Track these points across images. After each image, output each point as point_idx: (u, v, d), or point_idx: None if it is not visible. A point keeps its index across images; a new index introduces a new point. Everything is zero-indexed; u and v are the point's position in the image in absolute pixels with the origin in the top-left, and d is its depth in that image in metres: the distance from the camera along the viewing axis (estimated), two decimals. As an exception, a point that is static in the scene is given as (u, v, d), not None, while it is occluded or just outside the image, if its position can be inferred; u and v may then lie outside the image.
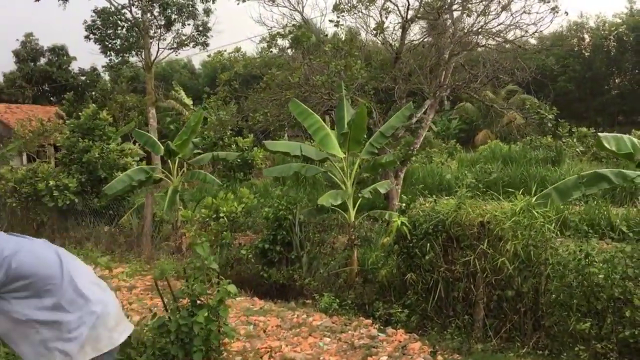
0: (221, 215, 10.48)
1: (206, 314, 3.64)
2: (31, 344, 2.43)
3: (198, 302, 3.80)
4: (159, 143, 12.20)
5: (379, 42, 13.98)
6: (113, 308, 2.69)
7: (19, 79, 40.67)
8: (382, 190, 10.08)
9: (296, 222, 9.22)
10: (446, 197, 7.78)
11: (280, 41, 13.15)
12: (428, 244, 6.60)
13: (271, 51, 13.63)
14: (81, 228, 11.85)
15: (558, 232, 6.40)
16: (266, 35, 13.14)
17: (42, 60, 42.43)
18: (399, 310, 6.77)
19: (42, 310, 2.42)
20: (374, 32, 12.88)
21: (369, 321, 6.89)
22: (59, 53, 42.12)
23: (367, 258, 8.66)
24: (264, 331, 6.39)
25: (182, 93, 31.37)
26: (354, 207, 9.13)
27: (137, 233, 11.24)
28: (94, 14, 25.58)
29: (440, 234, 6.61)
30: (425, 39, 13.88)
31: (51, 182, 11.80)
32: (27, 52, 41.62)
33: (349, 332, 6.36)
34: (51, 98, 42.18)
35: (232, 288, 3.83)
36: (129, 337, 3.97)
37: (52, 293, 2.44)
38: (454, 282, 6.50)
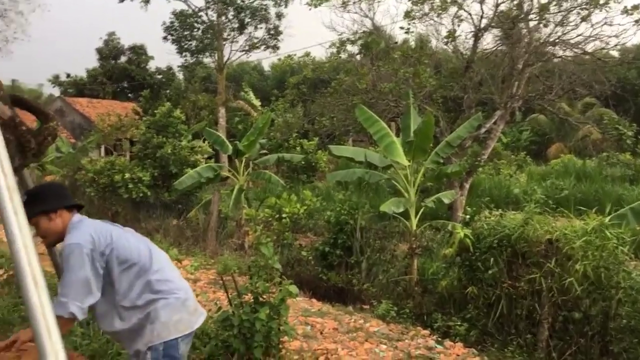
0: (284, 215, 10.67)
1: (268, 312, 3.75)
2: (124, 324, 2.67)
3: (260, 299, 3.92)
4: (228, 142, 12.57)
5: (450, 50, 13.81)
6: (191, 294, 2.91)
7: (100, 76, 42.98)
8: (446, 201, 9.93)
9: (357, 227, 9.26)
10: (513, 212, 7.58)
11: (349, 47, 13.25)
12: (492, 258, 6.47)
13: (340, 56, 13.75)
14: (152, 220, 12.39)
15: (632, 255, 6.10)
16: (336, 40, 13.27)
17: (123, 59, 44.63)
18: (458, 323, 6.67)
19: (133, 293, 2.66)
20: (445, 40, 12.74)
21: (427, 332, 6.82)
22: (139, 52, 44.17)
23: (427, 268, 8.58)
24: (321, 333, 6.46)
25: (251, 94, 32.10)
26: (416, 215, 9.06)
27: (203, 228, 11.63)
28: (172, 16, 26.65)
29: (505, 249, 6.45)
30: (499, 48, 13.57)
31: (127, 175, 12.43)
32: (109, 51, 43.92)
33: (406, 341, 6.33)
34: (129, 94, 44.29)
35: (293, 288, 3.93)
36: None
37: (143, 278, 2.68)
38: (517, 299, 6.33)
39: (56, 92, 45.32)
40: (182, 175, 12.09)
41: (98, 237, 2.60)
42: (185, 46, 28.56)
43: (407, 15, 12.57)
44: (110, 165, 13.02)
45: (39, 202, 2.66)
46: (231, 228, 12.26)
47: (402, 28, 12.87)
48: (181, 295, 2.79)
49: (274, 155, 12.86)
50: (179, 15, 26.92)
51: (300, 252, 9.55)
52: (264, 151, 20.57)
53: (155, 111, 14.27)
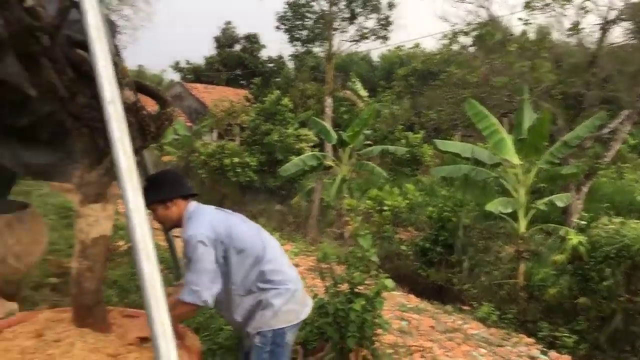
0: (385, 208, 10.59)
1: (363, 303, 3.74)
2: (237, 310, 2.78)
3: (356, 290, 3.91)
4: (333, 132, 12.68)
5: (573, 44, 12.87)
6: (300, 285, 2.95)
7: (216, 63, 45.17)
8: (560, 204, 9.32)
9: (460, 225, 8.97)
10: (636, 220, 6.93)
11: (462, 38, 12.80)
12: (608, 269, 5.98)
13: (452, 48, 13.33)
14: (256, 203, 12.85)
15: None
16: (448, 31, 12.87)
17: (237, 47, 46.55)
18: (567, 334, 6.25)
19: (248, 282, 2.75)
20: (568, 32, 11.89)
21: (531, 340, 6.46)
22: (252, 41, 45.82)
23: (534, 273, 8.11)
24: (417, 329, 6.35)
25: (359, 84, 32.10)
26: (525, 217, 8.59)
27: (305, 215, 11.87)
28: (285, 6, 27.29)
29: (623, 260, 5.94)
30: (629, 42, 12.43)
31: (235, 159, 12.98)
32: (226, 39, 45.98)
33: (507, 347, 6.04)
34: (242, 82, 46.12)
35: (389, 282, 3.87)
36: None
37: (257, 267, 2.75)
38: (635, 315, 5.81)
39: (176, 77, 48.31)
40: (287, 162, 12.40)
41: (218, 226, 2.69)
42: (297, 36, 29.18)
43: (527, 5, 11.88)
44: (220, 149, 13.66)
45: (156, 190, 2.77)
46: (332, 217, 12.38)
47: (520, 19, 12.17)
48: (291, 286, 2.84)
49: (378, 147, 12.79)
50: (292, 5, 27.52)
51: (400, 246, 9.43)
52: (369, 142, 20.57)
53: (265, 99, 14.73)
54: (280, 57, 44.14)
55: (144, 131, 2.71)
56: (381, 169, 12.16)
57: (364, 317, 3.82)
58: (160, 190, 2.80)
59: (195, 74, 46.38)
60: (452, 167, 10.30)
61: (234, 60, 45.39)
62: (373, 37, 27.84)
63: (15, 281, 4.35)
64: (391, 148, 12.77)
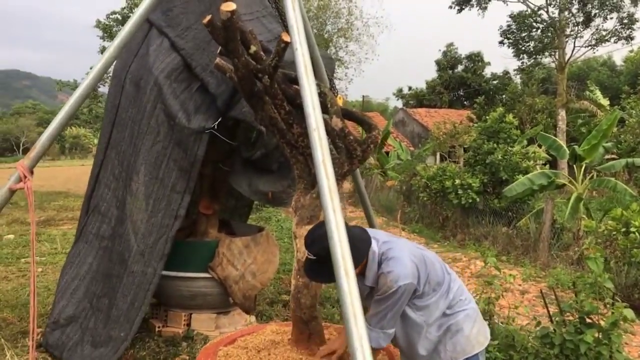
0: (632, 229, 9.22)
1: (595, 335, 3.30)
2: (422, 343, 2.54)
3: (587, 320, 3.48)
4: (565, 147, 11.60)
5: None
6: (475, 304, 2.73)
7: (438, 86, 45.34)
8: None
9: None
10: None
11: None
12: None
13: None
14: (480, 226, 12.37)
15: None
16: None
17: (459, 68, 46.06)
18: None
19: (439, 312, 2.53)
20: None
21: None
22: (475, 59, 44.91)
23: None
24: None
25: (598, 93, 28.91)
26: None
27: (534, 238, 11.01)
28: (509, 19, 26.16)
29: None
30: None
31: (457, 181, 12.73)
32: (447, 61, 45.91)
33: None
34: (465, 102, 45.42)
35: (629, 312, 3.35)
36: (513, 339, 4.00)
37: (446, 294, 2.55)
38: None
39: (399, 104, 49.82)
40: (512, 182, 11.71)
41: (419, 264, 2.46)
42: (523, 48, 27.68)
43: None
44: (441, 172, 13.55)
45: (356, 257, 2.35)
46: (567, 240, 11.26)
47: None
48: (474, 305, 2.63)
49: (621, 161, 11.27)
50: (517, 17, 26.25)
51: (653, 274, 8.08)
52: (613, 156, 18.22)
53: (487, 117, 14.22)
54: (506, 73, 42.33)
55: (351, 154, 2.87)
56: (626, 186, 10.66)
57: (599, 352, 3.38)
58: (356, 255, 2.36)
59: (417, 99, 47.21)
60: None
61: (456, 81, 45.02)
62: (614, 39, 24.92)
63: (252, 297, 4.94)
64: (638, 160, 11.12)
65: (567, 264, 10.33)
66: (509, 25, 26.26)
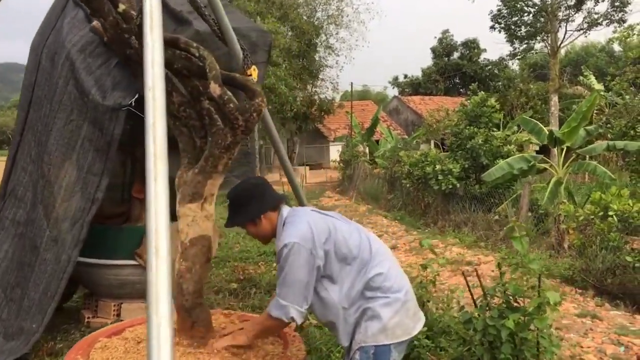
0: (610, 213, 8.95)
1: (518, 319, 3.04)
2: (342, 322, 2.45)
3: (514, 304, 3.22)
4: (545, 130, 11.30)
5: None
6: (412, 296, 2.57)
7: (434, 74, 44.89)
8: None
9: None
10: None
11: None
12: None
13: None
14: (461, 213, 12.11)
15: None
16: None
17: (455, 55, 45.60)
18: None
19: (354, 291, 2.42)
20: None
21: None
22: (471, 46, 44.45)
23: None
24: (638, 357, 5.11)
25: (592, 78, 28.51)
26: None
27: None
28: (499, 3, 25.71)
29: None
30: None
31: (437, 167, 12.46)
32: (443, 48, 45.46)
33: None
34: (461, 89, 44.98)
35: (552, 295, 3.07)
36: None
37: (363, 274, 2.43)
38: None
39: (395, 92, 49.40)
40: (492, 167, 11.44)
41: (317, 231, 2.38)
42: (516, 33, 27.20)
43: None
44: (424, 158, 13.28)
45: (242, 212, 2.53)
46: (548, 225, 11.01)
47: None
48: (401, 296, 2.44)
49: (601, 144, 10.98)
50: (507, 1, 25.77)
51: (626, 257, 7.81)
52: (606, 141, 17.75)
53: (468, 101, 13.92)
54: (502, 59, 41.85)
55: (233, 125, 2.60)
56: (605, 169, 10.35)
57: (523, 337, 3.12)
58: (245, 211, 2.52)
59: (413, 87, 46.81)
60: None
61: (452, 68, 44.58)
62: (606, 22, 24.45)
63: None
64: (619, 144, 10.79)
65: (544, 249, 10.07)
66: (499, 10, 25.79)
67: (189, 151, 2.74)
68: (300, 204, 4.17)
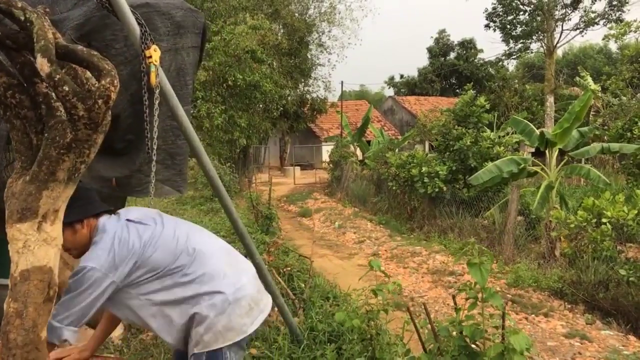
0: (603, 220, 8.26)
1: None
2: (172, 332, 2.31)
3: (473, 346, 2.50)
4: (537, 131, 10.59)
5: None
6: (249, 289, 2.38)
7: (430, 74, 44.18)
8: None
9: None
10: None
11: None
12: None
13: None
14: (447, 217, 11.40)
15: None
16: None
17: (452, 55, 44.90)
18: None
19: (172, 296, 2.26)
20: None
21: None
22: (467, 46, 43.76)
23: None
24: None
25: (589, 79, 27.82)
26: None
27: (499, 230, 10.05)
28: (494, 1, 25.06)
29: None
30: None
31: (424, 169, 11.75)
32: (439, 48, 44.76)
33: None
34: (457, 90, 44.27)
35: (518, 341, 2.32)
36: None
37: (183, 278, 2.26)
38: None
39: (391, 92, 48.69)
40: (480, 170, 10.72)
41: (121, 251, 2.17)
42: (512, 32, 26.54)
43: None
44: (410, 159, 12.58)
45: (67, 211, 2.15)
46: (539, 232, 10.32)
47: None
48: (229, 295, 2.28)
49: (595, 146, 10.26)
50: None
51: (619, 269, 7.10)
52: (602, 143, 17.02)
53: (457, 100, 13.21)
54: (499, 60, 41.18)
55: (72, 116, 1.88)
56: (600, 173, 9.64)
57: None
58: (66, 213, 2.11)
59: (409, 87, 46.08)
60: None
61: (448, 68, 43.85)
62: (603, 22, 23.80)
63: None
64: (615, 146, 10.08)
65: (534, 258, 9.38)
66: (494, 8, 25.10)
67: (22, 152, 2.03)
68: (238, 234, 3.57)
